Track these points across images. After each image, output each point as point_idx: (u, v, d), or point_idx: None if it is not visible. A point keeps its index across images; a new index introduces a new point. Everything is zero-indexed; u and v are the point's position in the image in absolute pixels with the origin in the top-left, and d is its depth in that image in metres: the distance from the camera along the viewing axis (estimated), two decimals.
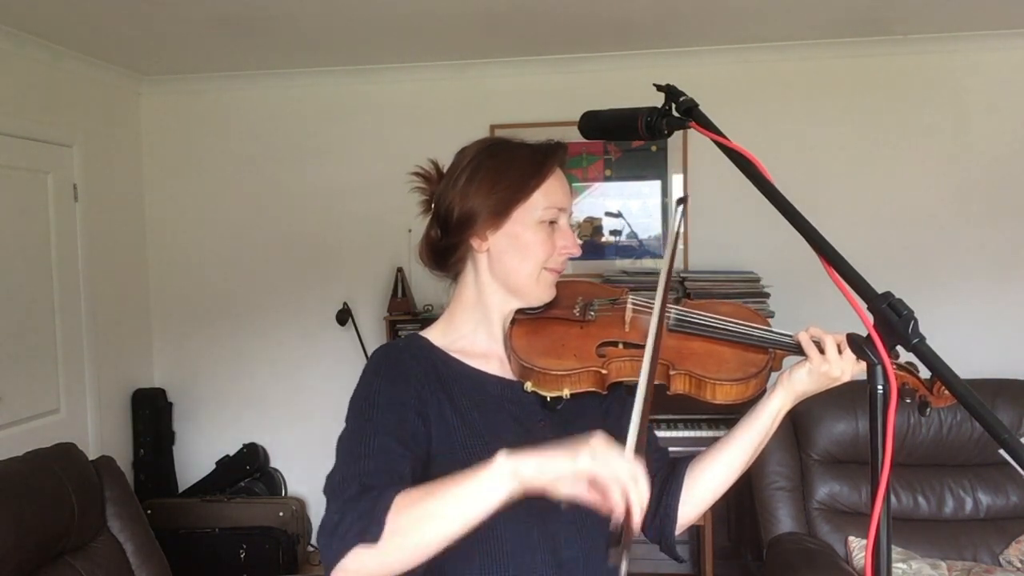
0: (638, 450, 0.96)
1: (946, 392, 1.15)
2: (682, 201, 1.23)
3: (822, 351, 1.14)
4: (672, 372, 1.19)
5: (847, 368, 1.14)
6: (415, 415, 1.12)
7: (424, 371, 1.17)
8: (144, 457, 4.20)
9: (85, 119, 3.91)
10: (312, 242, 4.31)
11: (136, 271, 4.33)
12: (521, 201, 1.18)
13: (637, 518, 0.90)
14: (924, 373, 1.16)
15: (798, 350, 1.21)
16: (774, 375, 1.24)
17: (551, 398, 1.18)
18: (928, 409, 1.18)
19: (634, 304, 1.26)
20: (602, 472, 0.91)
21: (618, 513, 0.91)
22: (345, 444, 1.10)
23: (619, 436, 1.29)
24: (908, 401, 1.15)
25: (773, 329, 1.23)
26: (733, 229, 3.96)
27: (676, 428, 3.54)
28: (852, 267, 0.87)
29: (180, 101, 4.36)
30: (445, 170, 1.25)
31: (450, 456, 1.13)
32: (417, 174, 1.26)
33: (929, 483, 2.97)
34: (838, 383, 1.16)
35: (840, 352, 1.13)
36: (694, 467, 1.27)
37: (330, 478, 1.07)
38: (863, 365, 0.97)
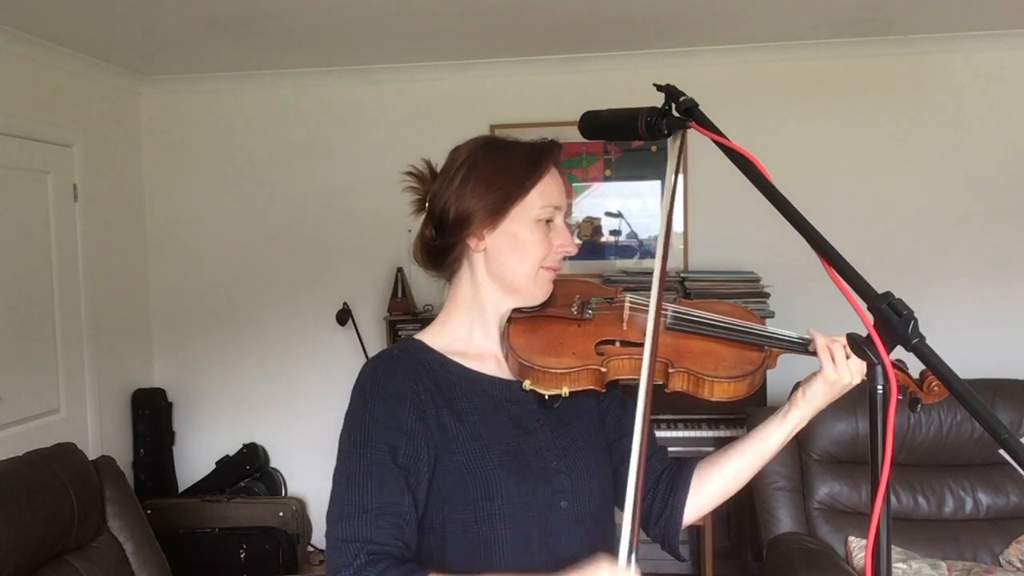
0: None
1: (935, 388, 1.16)
2: (681, 136, 1.19)
3: (833, 359, 1.15)
4: (671, 370, 1.19)
5: (858, 371, 1.14)
6: (410, 438, 1.11)
7: (420, 379, 1.16)
8: (144, 457, 4.20)
9: (85, 119, 3.91)
10: (312, 242, 4.31)
11: (136, 271, 4.33)
12: (517, 200, 1.17)
13: None
14: (913, 372, 1.17)
15: (793, 347, 1.22)
16: (770, 376, 1.25)
17: (549, 396, 1.18)
18: (919, 405, 1.19)
19: (631, 303, 1.26)
20: None
21: None
22: (343, 487, 1.09)
23: (616, 439, 1.29)
24: (899, 398, 1.15)
25: (768, 328, 1.24)
26: (733, 229, 3.97)
27: (676, 428, 3.54)
28: (852, 267, 0.87)
29: (180, 101, 4.36)
30: (439, 169, 1.24)
31: (451, 464, 1.13)
32: (410, 174, 1.25)
33: (929, 483, 2.96)
34: (849, 389, 1.17)
35: (847, 356, 1.14)
36: (701, 471, 1.27)
37: (330, 531, 1.07)
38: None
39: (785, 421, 1.21)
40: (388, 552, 1.04)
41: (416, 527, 1.09)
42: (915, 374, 1.18)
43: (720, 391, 1.19)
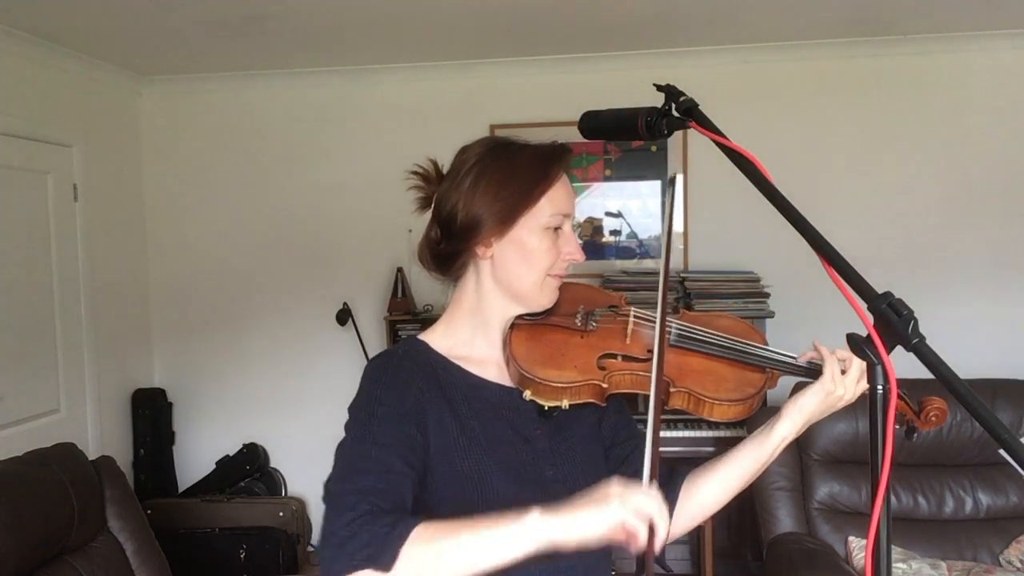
0: (652, 474, 0.97)
1: (932, 417, 1.16)
2: (672, 182, 1.23)
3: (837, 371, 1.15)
4: (672, 389, 1.19)
5: (857, 388, 1.15)
6: (413, 427, 1.11)
7: (424, 377, 1.16)
8: (144, 457, 4.20)
9: (85, 119, 3.91)
10: (312, 242, 4.31)
11: (136, 271, 4.33)
12: (527, 208, 1.16)
13: (660, 543, 0.92)
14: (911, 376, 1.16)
15: (796, 371, 1.21)
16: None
17: (549, 407, 1.17)
18: (915, 434, 1.18)
19: (636, 317, 1.25)
20: (631, 519, 0.92)
21: (642, 544, 0.92)
22: (346, 455, 1.08)
23: (611, 446, 1.29)
24: (896, 427, 1.15)
25: (771, 348, 1.23)
26: (733, 229, 3.96)
27: (676, 428, 3.54)
28: (852, 267, 0.87)
29: (180, 101, 4.36)
30: (445, 170, 1.23)
31: (448, 466, 1.12)
32: (415, 173, 1.23)
33: (929, 483, 2.96)
34: (842, 405, 1.17)
35: (844, 372, 1.15)
36: (691, 482, 1.26)
37: (331, 488, 1.04)
38: (864, 384, 0.98)
39: (772, 435, 1.20)
40: (386, 510, 1.01)
41: (412, 503, 1.07)
42: (915, 376, 1.18)
43: (720, 413, 1.19)
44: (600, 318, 1.25)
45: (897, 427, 1.13)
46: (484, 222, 1.16)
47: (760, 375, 1.22)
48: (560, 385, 1.15)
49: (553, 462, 1.19)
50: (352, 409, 1.13)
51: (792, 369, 1.21)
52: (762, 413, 3.13)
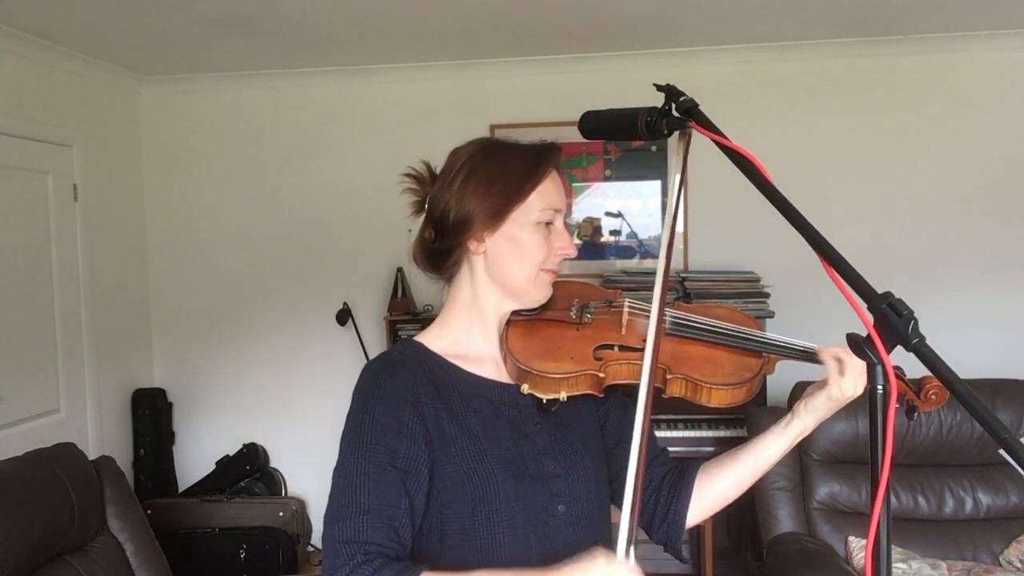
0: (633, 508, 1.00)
1: (932, 396, 1.16)
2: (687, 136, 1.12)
3: (842, 373, 1.15)
4: (668, 376, 1.19)
5: (863, 383, 1.15)
6: (410, 440, 1.11)
7: (420, 382, 1.16)
8: (144, 457, 4.20)
9: (85, 119, 3.91)
10: (312, 242, 4.31)
11: (136, 271, 4.33)
12: (518, 203, 1.17)
13: None
14: (912, 374, 1.16)
15: (791, 354, 1.22)
16: (771, 376, 1.24)
17: (547, 400, 1.18)
18: (916, 414, 1.19)
19: (630, 307, 1.26)
20: None
21: None
22: (342, 489, 1.10)
23: (616, 444, 1.29)
24: (896, 406, 1.16)
25: (767, 333, 1.24)
26: (733, 229, 3.96)
27: (676, 428, 3.54)
28: (852, 267, 0.87)
29: (180, 101, 4.36)
30: (438, 171, 1.24)
31: (449, 467, 1.13)
32: (409, 175, 1.24)
33: (929, 483, 2.97)
34: (853, 398, 1.17)
35: (843, 374, 1.15)
36: (703, 477, 1.28)
37: (327, 531, 1.08)
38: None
39: (786, 432, 1.22)
40: (384, 553, 1.04)
41: (412, 529, 1.10)
42: (915, 375, 1.18)
43: (718, 398, 1.20)
44: (595, 311, 1.26)
45: (897, 407, 1.13)
46: (475, 217, 1.17)
47: (757, 359, 1.22)
48: (557, 377, 1.16)
49: (554, 456, 1.19)
50: (347, 427, 1.14)
51: (788, 353, 1.22)
52: (762, 414, 3.13)
